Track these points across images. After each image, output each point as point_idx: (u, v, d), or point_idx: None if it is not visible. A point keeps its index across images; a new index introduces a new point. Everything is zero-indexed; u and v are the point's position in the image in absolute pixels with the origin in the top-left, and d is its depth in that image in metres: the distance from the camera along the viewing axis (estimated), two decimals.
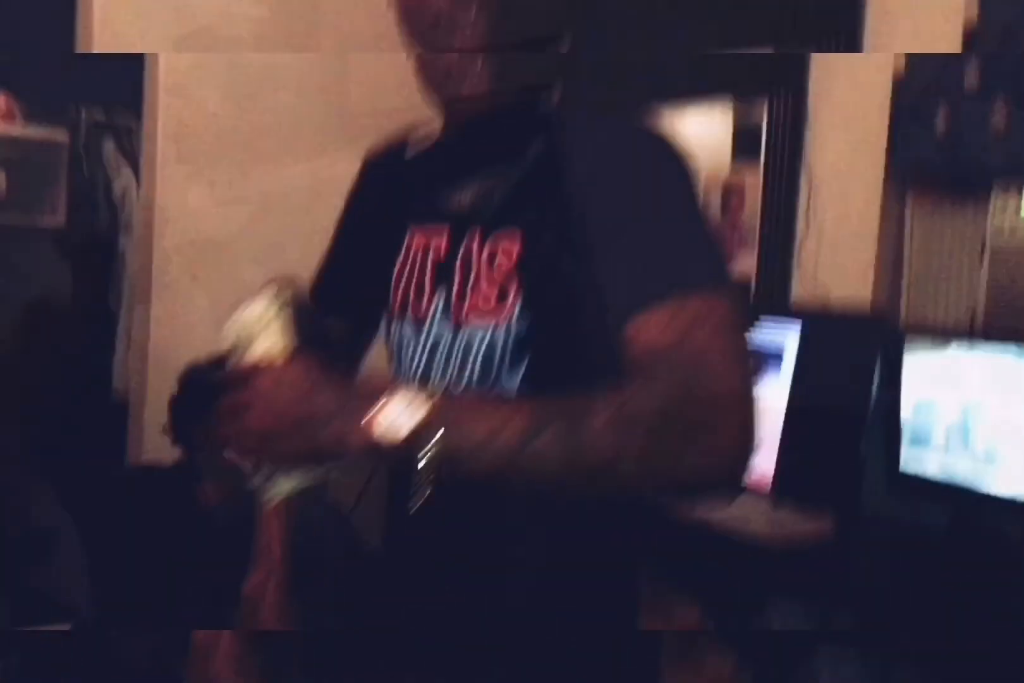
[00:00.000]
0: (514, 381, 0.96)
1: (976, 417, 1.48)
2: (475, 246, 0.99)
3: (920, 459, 1.54)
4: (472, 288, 0.99)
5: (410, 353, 1.06)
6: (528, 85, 1.00)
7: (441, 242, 1.04)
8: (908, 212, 1.92)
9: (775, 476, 1.65)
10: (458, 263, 1.01)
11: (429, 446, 0.79)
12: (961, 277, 1.81)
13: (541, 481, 0.83)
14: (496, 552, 1.00)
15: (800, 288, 2.06)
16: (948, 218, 1.87)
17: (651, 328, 0.84)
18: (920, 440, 1.54)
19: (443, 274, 1.02)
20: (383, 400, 0.81)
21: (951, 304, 1.82)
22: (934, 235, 1.89)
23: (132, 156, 2.19)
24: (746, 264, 2.19)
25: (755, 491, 1.68)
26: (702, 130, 2.42)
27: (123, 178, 2.17)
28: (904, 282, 1.91)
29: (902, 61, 1.95)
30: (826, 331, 1.73)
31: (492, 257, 0.98)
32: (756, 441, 0.82)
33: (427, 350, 1.03)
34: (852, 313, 1.83)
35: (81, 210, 2.12)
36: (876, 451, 1.57)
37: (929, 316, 1.83)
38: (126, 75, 2.20)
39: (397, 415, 0.80)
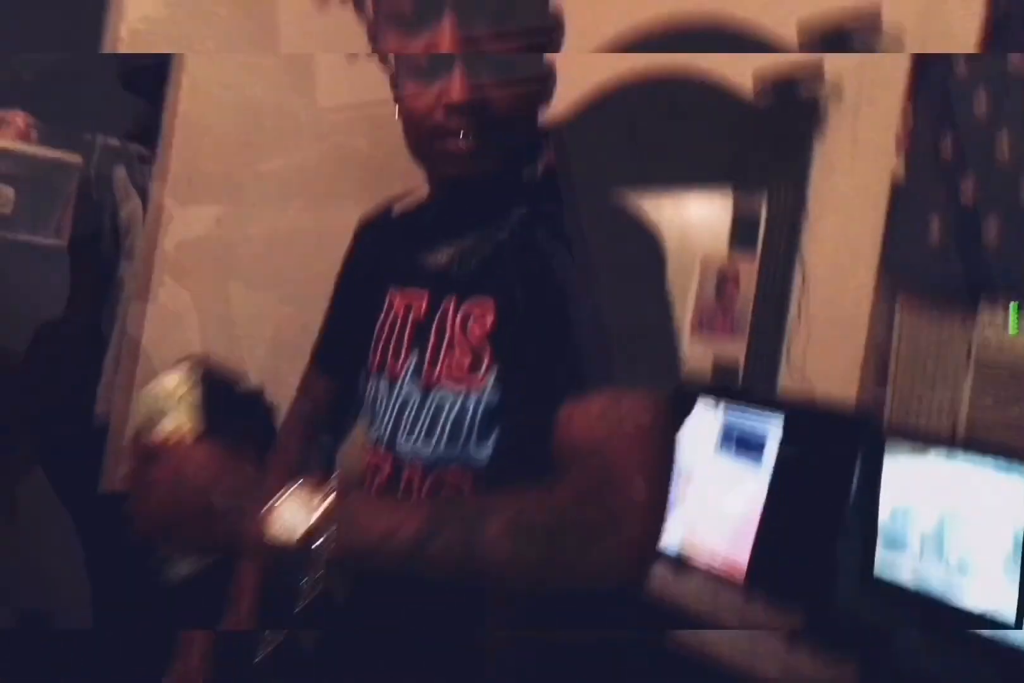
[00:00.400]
0: (483, 453, 0.96)
1: (952, 527, 1.50)
2: (451, 310, 1.01)
3: (894, 564, 1.55)
4: (445, 352, 1.00)
5: (381, 410, 1.07)
6: (513, 152, 1.00)
7: (422, 303, 1.05)
8: (897, 316, 1.96)
9: (750, 566, 1.66)
10: (434, 326, 1.02)
11: (321, 545, 0.78)
12: (945, 386, 1.85)
13: (438, 578, 0.83)
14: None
15: (787, 380, 2.09)
16: (936, 326, 1.90)
17: (581, 418, 0.86)
18: (895, 545, 1.56)
19: (421, 335, 1.04)
20: (281, 495, 0.80)
21: (934, 411, 1.85)
22: (921, 341, 1.92)
23: (141, 185, 2.21)
24: (735, 350, 2.23)
25: (728, 580, 1.69)
26: (702, 215, 2.48)
27: (130, 205, 2.19)
28: (889, 385, 1.94)
29: (901, 169, 2.01)
30: (809, 425, 1.76)
31: (465, 323, 0.99)
32: (656, 550, 0.83)
33: (396, 409, 1.04)
34: (836, 410, 1.85)
35: (85, 233, 2.13)
36: (852, 550, 1.58)
37: (911, 421, 1.86)
38: (144, 105, 2.24)
39: (293, 513, 0.79)
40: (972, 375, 1.81)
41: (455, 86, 0.93)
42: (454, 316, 1.00)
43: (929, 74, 2.00)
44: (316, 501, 0.80)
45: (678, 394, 0.91)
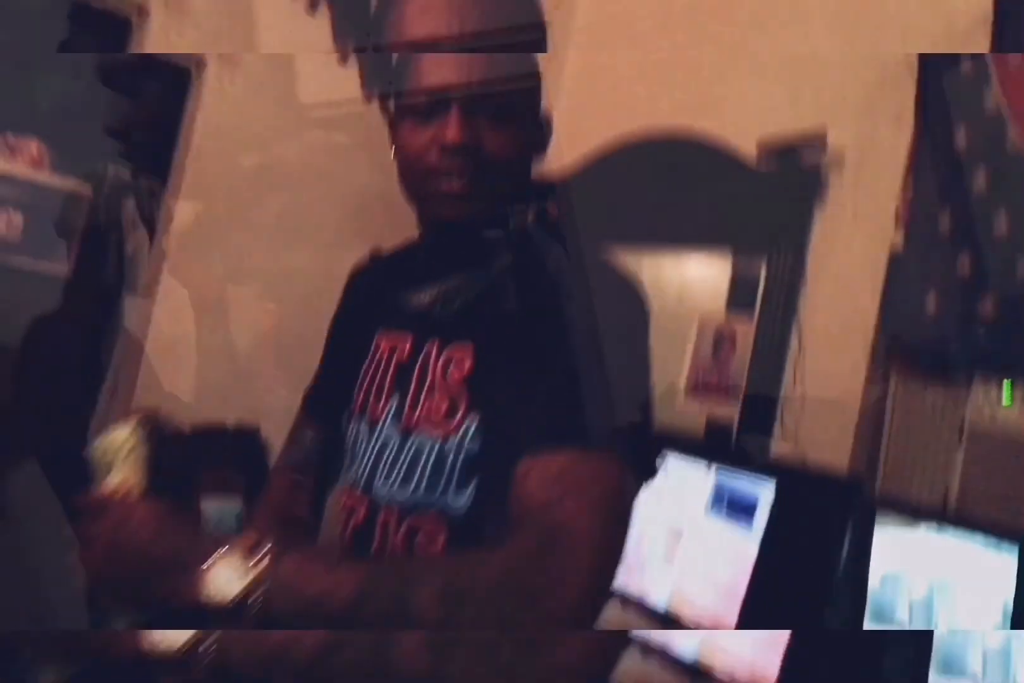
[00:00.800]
0: (460, 501, 0.95)
1: (941, 597, 1.50)
2: (433, 354, 1.01)
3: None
4: (425, 396, 0.99)
5: (360, 452, 1.06)
6: (504, 197, 1.01)
7: (406, 345, 1.05)
8: (892, 385, 1.97)
9: (738, 626, 1.64)
10: (416, 369, 1.02)
11: (252, 605, 0.78)
12: (938, 457, 1.85)
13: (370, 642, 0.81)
14: None
15: (780, 444, 2.09)
16: (930, 397, 1.92)
17: (538, 475, 0.84)
18: (885, 612, 1.55)
19: (403, 377, 1.03)
20: (218, 555, 0.81)
21: (925, 482, 1.85)
22: (915, 412, 1.93)
23: (149, 219, 2.22)
24: (729, 411, 2.23)
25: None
26: (702, 274, 2.50)
27: (137, 239, 2.20)
28: (881, 455, 1.94)
29: (900, 239, 2.04)
30: (801, 491, 1.75)
31: (446, 367, 0.99)
32: (594, 617, 0.82)
33: (375, 452, 1.03)
34: (828, 477, 1.86)
35: (90, 264, 2.13)
36: (840, 616, 1.57)
37: (903, 491, 1.86)
38: (158, 143, 2.27)
39: (228, 573, 0.80)
40: (964, 447, 1.82)
41: (451, 127, 0.96)
42: (436, 360, 1.00)
43: (929, 149, 2.04)
44: (252, 560, 0.80)
45: (644, 457, 0.91)
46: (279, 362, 2.23)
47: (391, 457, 1.00)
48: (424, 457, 0.97)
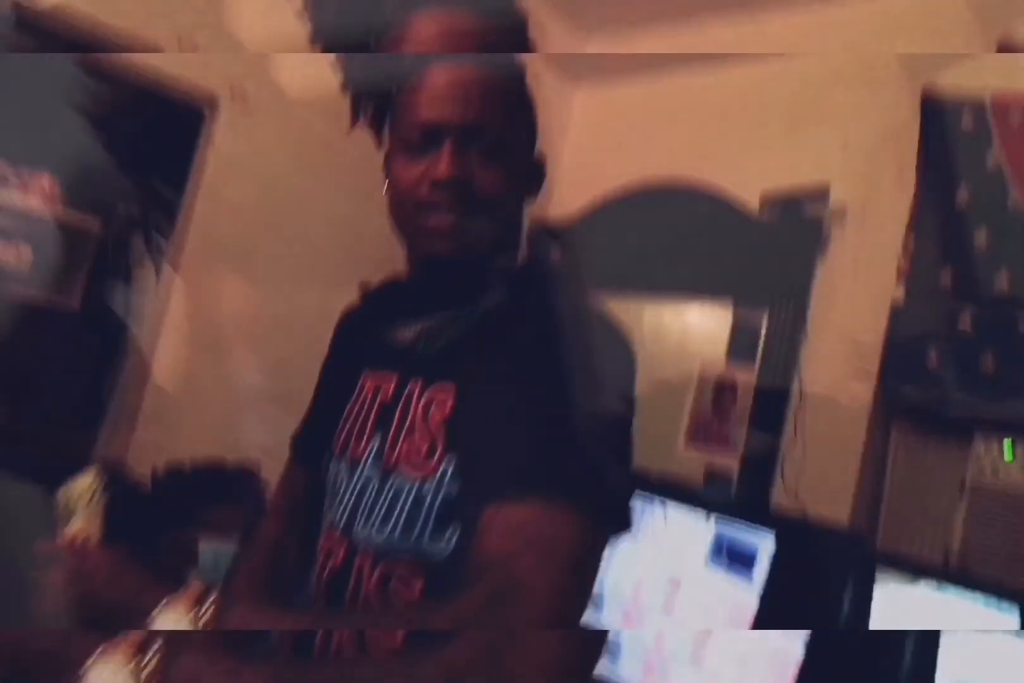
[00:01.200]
0: (435, 547, 0.92)
1: (944, 655, 1.49)
2: (416, 394, 0.99)
3: None
4: (405, 436, 0.98)
5: (341, 492, 1.04)
6: (493, 236, 1.01)
7: (390, 385, 1.04)
8: (892, 441, 1.97)
9: None
10: (398, 409, 1.00)
11: None
12: (938, 512, 1.85)
13: None
14: None
15: (780, 496, 2.09)
16: (931, 452, 1.92)
17: (502, 525, 0.82)
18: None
19: (385, 417, 1.02)
20: (162, 606, 0.81)
21: (926, 537, 1.84)
22: (915, 466, 1.93)
23: (157, 256, 2.23)
24: (729, 461, 2.22)
25: None
26: (704, 323, 2.50)
27: (144, 275, 2.21)
28: (882, 509, 1.94)
29: (901, 293, 2.05)
30: (801, 544, 1.74)
31: (428, 408, 0.97)
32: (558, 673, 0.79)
33: (356, 492, 1.01)
34: (829, 530, 1.85)
35: (97, 298, 2.14)
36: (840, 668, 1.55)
37: (903, 546, 1.85)
38: (167, 180, 2.29)
39: (173, 621, 0.80)
40: (966, 502, 1.81)
41: (443, 162, 0.96)
42: (418, 400, 0.99)
43: (931, 204, 2.06)
44: (196, 613, 0.80)
45: (619, 509, 0.88)
46: (281, 400, 2.23)
47: (371, 498, 0.98)
48: (402, 499, 0.95)
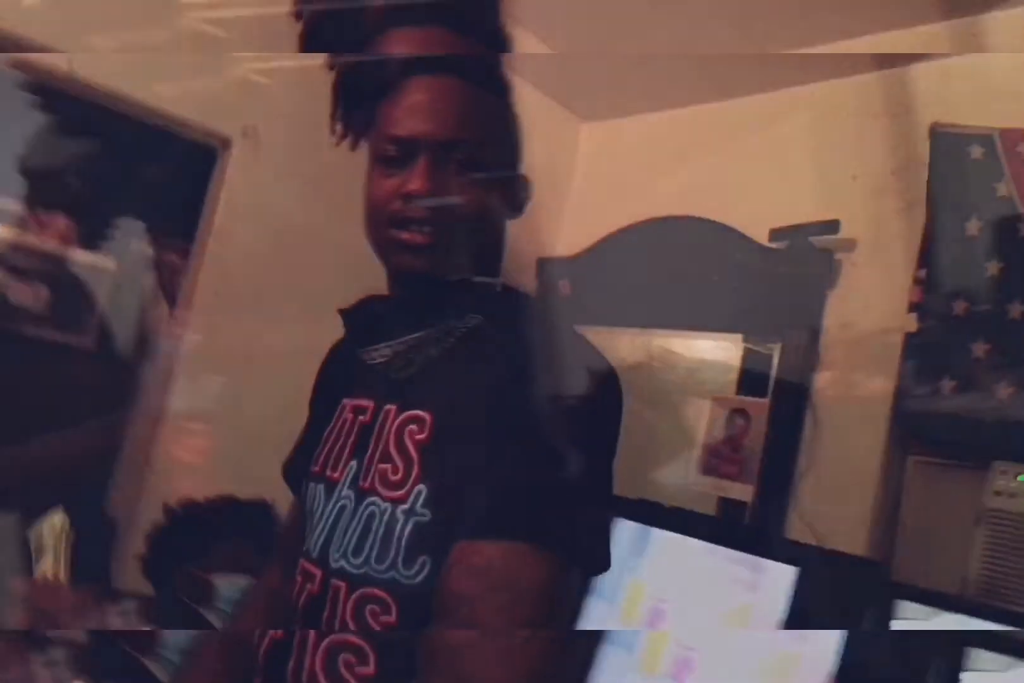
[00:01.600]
0: (409, 573, 0.90)
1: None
2: (392, 416, 0.98)
3: None
4: (380, 459, 0.96)
5: (318, 514, 1.03)
6: (470, 255, 1.00)
7: (369, 406, 1.03)
8: (908, 469, 1.96)
9: None
10: (375, 432, 0.99)
11: None
12: (955, 541, 1.82)
13: None
14: None
15: (795, 529, 2.06)
16: (947, 480, 1.90)
17: (466, 565, 0.81)
18: None
19: (363, 441, 1.00)
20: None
21: (943, 567, 1.82)
22: (931, 495, 1.91)
23: (170, 294, 2.26)
24: (742, 493, 2.20)
25: None
26: (716, 354, 2.50)
27: (157, 313, 2.23)
28: (898, 539, 1.91)
29: (913, 324, 2.05)
30: (817, 574, 1.72)
31: (400, 433, 0.96)
32: None
33: (333, 518, 1.00)
34: (845, 560, 1.83)
35: (111, 337, 2.17)
36: None
37: (920, 576, 1.82)
38: (180, 219, 2.33)
39: None
40: (982, 531, 1.79)
41: (417, 175, 0.96)
42: (393, 422, 0.97)
43: (942, 234, 2.07)
44: None
45: (595, 549, 0.87)
46: (294, 436, 2.24)
47: (346, 523, 0.97)
48: (375, 523, 0.93)
